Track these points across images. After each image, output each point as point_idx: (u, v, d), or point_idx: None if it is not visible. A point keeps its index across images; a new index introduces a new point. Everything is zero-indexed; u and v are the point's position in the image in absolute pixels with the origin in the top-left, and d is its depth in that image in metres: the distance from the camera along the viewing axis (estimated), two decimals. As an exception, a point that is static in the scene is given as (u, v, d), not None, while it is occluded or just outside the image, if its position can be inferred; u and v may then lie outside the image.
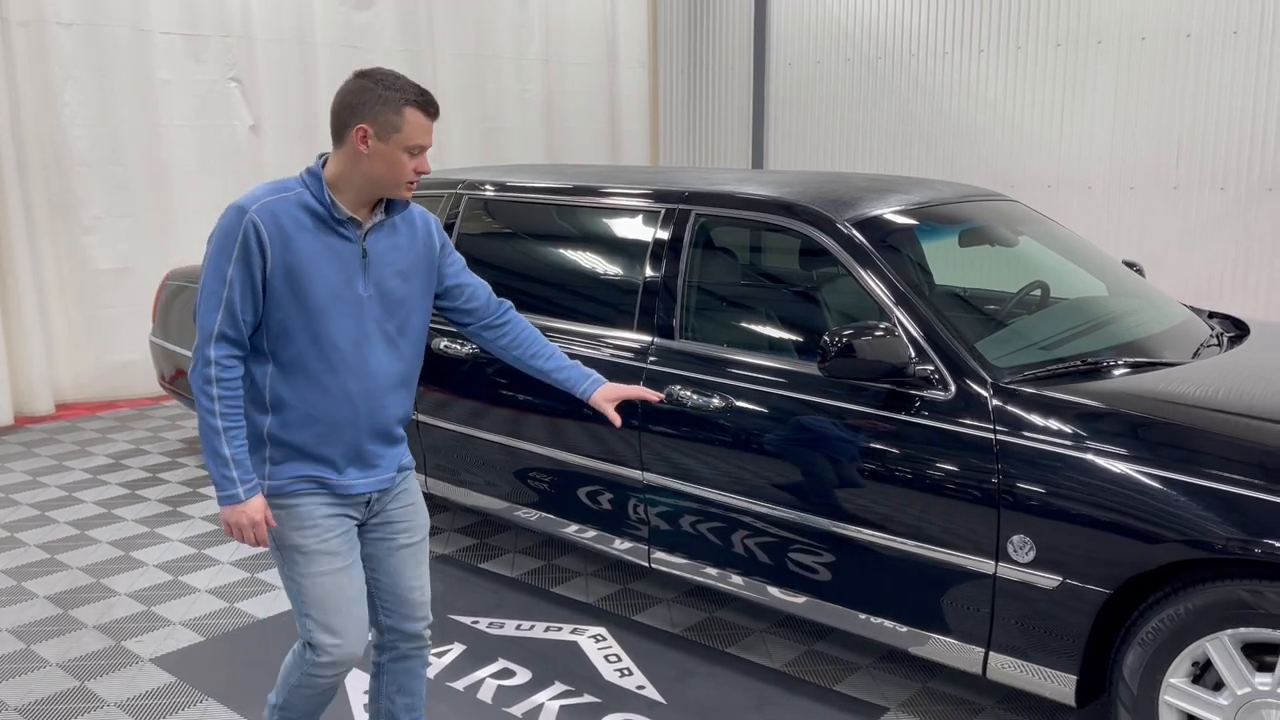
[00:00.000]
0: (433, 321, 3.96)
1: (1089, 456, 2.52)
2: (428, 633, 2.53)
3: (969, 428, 2.70)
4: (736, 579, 3.22)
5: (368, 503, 2.38)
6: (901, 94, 8.12)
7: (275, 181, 2.26)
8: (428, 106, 2.23)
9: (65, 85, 6.18)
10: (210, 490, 4.99)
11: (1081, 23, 7.19)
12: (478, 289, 2.56)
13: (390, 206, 2.32)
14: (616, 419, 2.64)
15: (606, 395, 2.65)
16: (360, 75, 2.23)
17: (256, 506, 2.21)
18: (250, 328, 2.20)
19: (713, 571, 3.27)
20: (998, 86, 7.62)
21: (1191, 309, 3.71)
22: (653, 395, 2.75)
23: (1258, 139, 6.62)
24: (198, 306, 2.19)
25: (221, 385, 2.17)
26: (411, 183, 2.24)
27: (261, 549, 2.27)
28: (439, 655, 3.41)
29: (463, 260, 2.54)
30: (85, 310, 6.47)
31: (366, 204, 2.27)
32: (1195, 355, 3.08)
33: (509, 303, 2.63)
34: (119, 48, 6.34)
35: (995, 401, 2.69)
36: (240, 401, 2.21)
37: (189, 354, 4.98)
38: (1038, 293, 3.57)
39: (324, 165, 2.25)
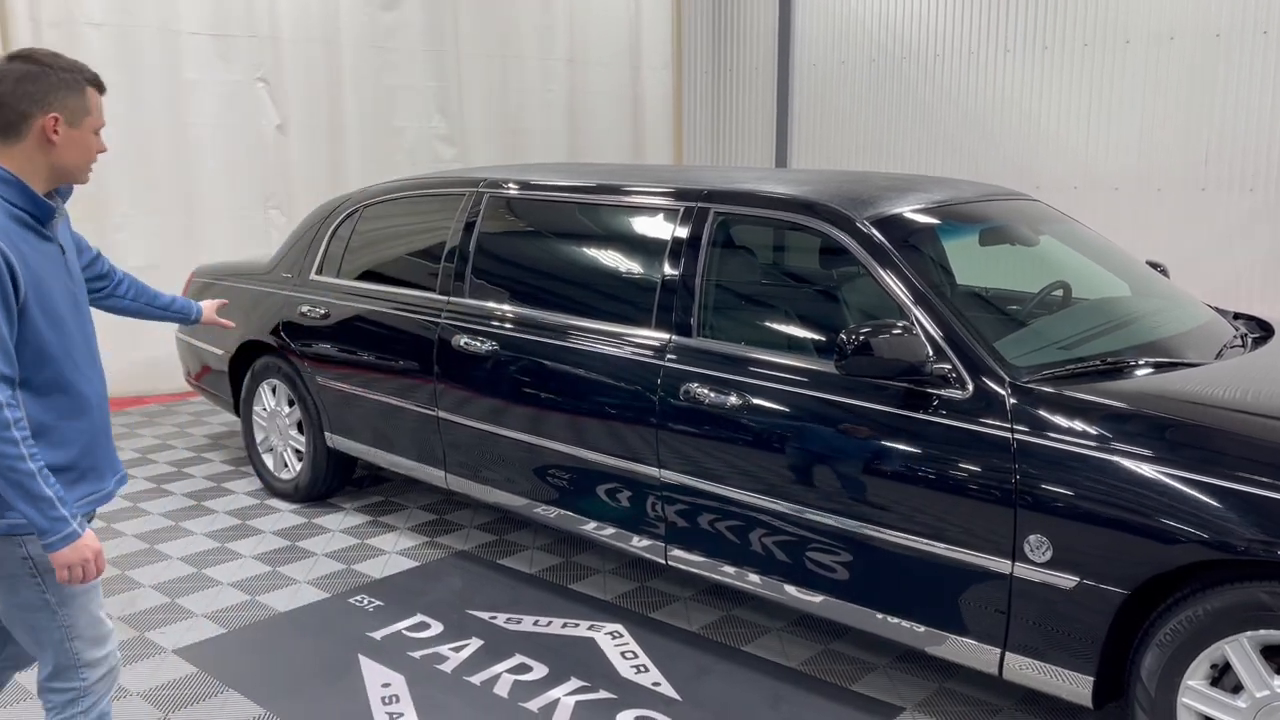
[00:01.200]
0: (450, 318, 3.99)
1: (1108, 456, 2.51)
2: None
3: (987, 427, 2.69)
4: (753, 577, 3.22)
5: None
6: (926, 95, 8.08)
7: None
8: (100, 83, 2.16)
9: (95, 85, 6.27)
10: (235, 485, 5.04)
11: (1109, 23, 7.13)
12: (103, 258, 2.59)
13: (62, 196, 2.25)
14: (228, 323, 2.96)
15: (203, 310, 2.86)
16: (21, 58, 2.06)
17: (91, 539, 2.08)
18: (15, 359, 2.04)
19: (730, 570, 3.27)
20: (1024, 87, 7.57)
21: (1216, 309, 3.67)
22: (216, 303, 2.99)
23: (1288, 140, 6.54)
24: None
25: (19, 427, 1.98)
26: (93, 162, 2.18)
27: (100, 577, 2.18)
28: (456, 650, 3.43)
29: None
30: (114, 307, 6.55)
31: (47, 196, 2.17)
32: (1218, 356, 3.05)
33: (115, 268, 2.66)
34: (148, 48, 6.42)
35: (1013, 401, 2.68)
36: (33, 440, 2.05)
37: (216, 350, 5.06)
38: (1059, 292, 3.55)
39: None
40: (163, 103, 6.52)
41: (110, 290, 2.61)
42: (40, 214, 2.09)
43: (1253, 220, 6.71)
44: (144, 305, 2.69)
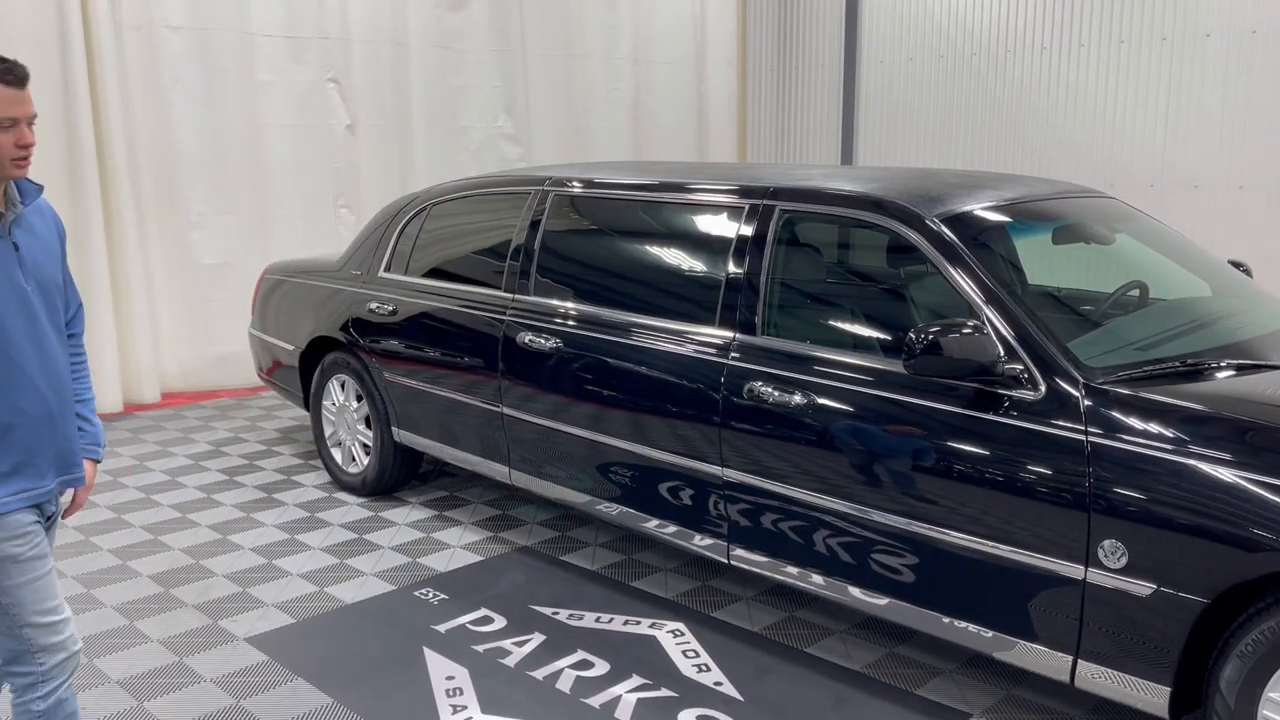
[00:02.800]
0: (515, 316, 4.02)
1: (1187, 460, 2.43)
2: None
3: (1059, 429, 2.63)
4: (817, 578, 3.19)
5: (50, 516, 2.33)
6: (997, 91, 7.93)
7: None
8: (5, 75, 2.09)
9: (174, 86, 6.44)
10: (304, 478, 5.14)
11: (1189, 16, 6.92)
12: (73, 297, 2.45)
13: (24, 193, 2.24)
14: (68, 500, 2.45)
15: (77, 500, 2.46)
16: None
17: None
18: None
19: (793, 570, 3.24)
20: (1098, 83, 7.39)
21: (1302, 311, 3.54)
22: (78, 506, 2.45)
23: (1379, 135, 6.29)
24: None
25: None
26: (18, 160, 2.12)
27: None
28: (519, 644, 3.45)
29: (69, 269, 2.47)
30: (190, 303, 6.73)
31: None
32: (1305, 358, 2.94)
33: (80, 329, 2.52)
34: (224, 50, 6.58)
35: (1087, 402, 2.62)
36: None
37: (286, 346, 5.16)
38: (1135, 292, 3.46)
39: None
40: (238, 104, 6.68)
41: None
42: None
43: (1340, 219, 6.47)
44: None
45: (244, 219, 6.81)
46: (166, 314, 6.69)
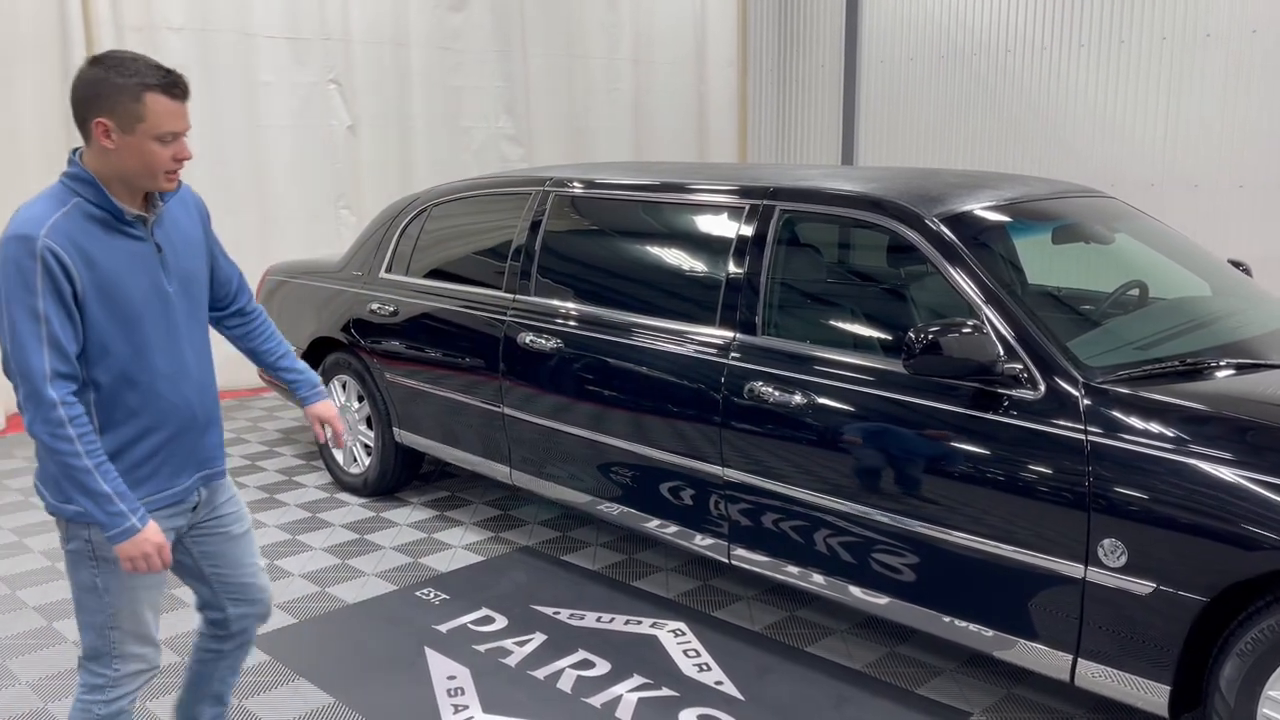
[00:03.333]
0: (516, 316, 4.03)
1: (1186, 459, 2.44)
2: (267, 612, 2.55)
3: (1059, 428, 2.63)
4: (817, 578, 3.20)
5: (195, 507, 2.34)
6: (997, 91, 7.94)
7: (44, 196, 2.07)
8: (172, 88, 2.06)
9: (175, 88, 6.45)
10: (306, 478, 5.15)
11: (1188, 16, 6.93)
12: (232, 273, 2.48)
13: (163, 193, 2.20)
14: (320, 435, 2.60)
15: (318, 411, 2.59)
16: (94, 62, 2.06)
17: (155, 529, 2.13)
18: (75, 356, 2.06)
19: (793, 570, 3.25)
20: (1099, 82, 7.39)
21: (1301, 310, 3.55)
22: (338, 433, 2.59)
23: (1379, 134, 6.29)
24: (9, 355, 2.03)
25: (75, 424, 2.03)
26: (171, 173, 2.11)
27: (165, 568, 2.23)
28: (520, 644, 3.46)
29: (219, 242, 2.47)
30: (191, 304, 6.73)
31: (135, 198, 2.14)
32: (1304, 357, 2.95)
33: (252, 293, 2.57)
34: (225, 51, 6.59)
35: (1087, 401, 2.62)
36: (93, 435, 2.07)
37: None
38: (1135, 292, 3.46)
39: (81, 164, 2.10)
40: (239, 105, 6.69)
41: (230, 311, 2.52)
42: (113, 213, 2.09)
43: (1341, 218, 6.47)
44: (253, 348, 2.56)
45: (245, 219, 6.82)
46: (168, 315, 6.69)
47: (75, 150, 2.12)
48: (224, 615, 2.46)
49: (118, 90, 2.02)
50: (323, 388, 2.60)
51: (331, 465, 5.03)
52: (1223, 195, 6.94)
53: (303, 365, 2.58)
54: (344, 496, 4.90)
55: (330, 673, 3.29)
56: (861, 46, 8.76)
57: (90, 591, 2.21)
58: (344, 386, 4.89)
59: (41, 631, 3.58)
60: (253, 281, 6.51)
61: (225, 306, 2.50)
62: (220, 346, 7.02)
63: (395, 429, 4.63)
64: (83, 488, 2.05)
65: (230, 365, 6.73)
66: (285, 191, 6.97)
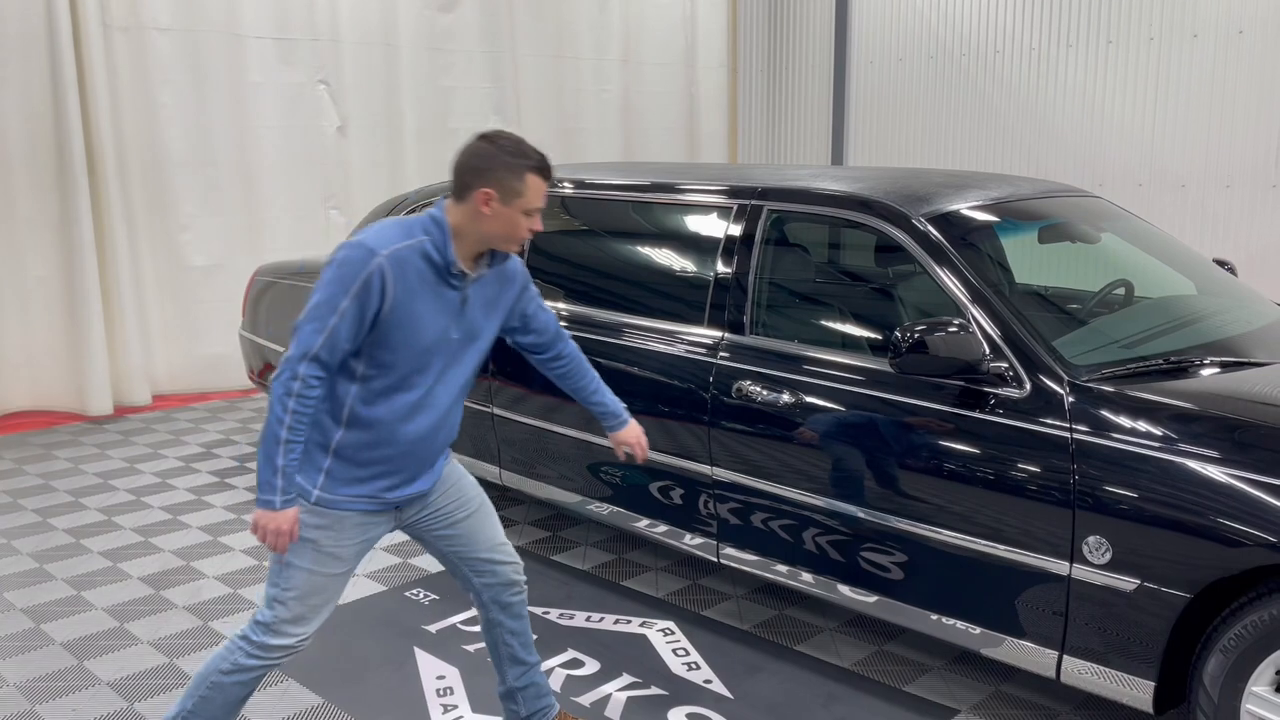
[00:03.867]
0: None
1: (1170, 457, 2.45)
2: (522, 576, 2.70)
3: (1045, 426, 2.65)
4: (806, 576, 3.21)
5: (399, 508, 2.49)
6: (986, 91, 7.97)
7: (401, 223, 2.32)
8: (546, 172, 2.34)
9: (162, 88, 6.44)
10: (294, 479, 5.14)
11: (1176, 16, 6.97)
12: (549, 323, 2.68)
13: (494, 258, 2.44)
14: (620, 456, 2.84)
15: (622, 438, 2.78)
16: (485, 139, 2.33)
17: (288, 517, 2.28)
18: (343, 356, 2.27)
19: (782, 568, 3.26)
20: (1087, 82, 7.43)
21: (1285, 308, 3.57)
22: (640, 457, 2.79)
23: (1364, 134, 6.33)
24: (301, 321, 2.25)
25: (299, 400, 2.23)
26: (522, 240, 2.37)
27: (280, 553, 2.33)
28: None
29: (539, 296, 2.66)
30: (180, 305, 6.72)
31: (475, 255, 2.38)
32: (1287, 355, 2.97)
33: (568, 334, 2.75)
34: (213, 52, 6.57)
35: (1072, 400, 2.64)
36: (309, 420, 2.27)
37: (277, 348, 5.16)
38: (1121, 291, 3.48)
39: (444, 213, 2.34)
40: (227, 105, 6.67)
41: (546, 356, 2.72)
42: (446, 263, 2.31)
43: (1326, 217, 6.51)
44: (570, 385, 2.76)
45: (234, 220, 6.81)
46: (157, 316, 6.68)
47: (443, 197, 2.38)
48: (473, 587, 2.66)
49: (507, 169, 2.29)
50: (626, 415, 2.79)
51: (321, 466, 5.01)
52: (1210, 195, 6.98)
53: (611, 398, 2.78)
54: (333, 497, 4.88)
55: (319, 673, 3.28)
56: (851, 47, 8.79)
57: (279, 563, 2.40)
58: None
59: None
60: (242, 282, 6.52)
61: (543, 351, 2.71)
62: (206, 347, 6.93)
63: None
64: (267, 450, 2.25)
65: (218, 367, 6.78)
66: (274, 192, 6.96)
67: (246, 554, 4.24)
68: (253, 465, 5.39)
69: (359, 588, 3.90)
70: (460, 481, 2.60)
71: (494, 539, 2.64)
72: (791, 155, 9.43)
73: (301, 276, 5.09)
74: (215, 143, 6.66)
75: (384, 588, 3.91)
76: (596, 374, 2.77)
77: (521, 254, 2.42)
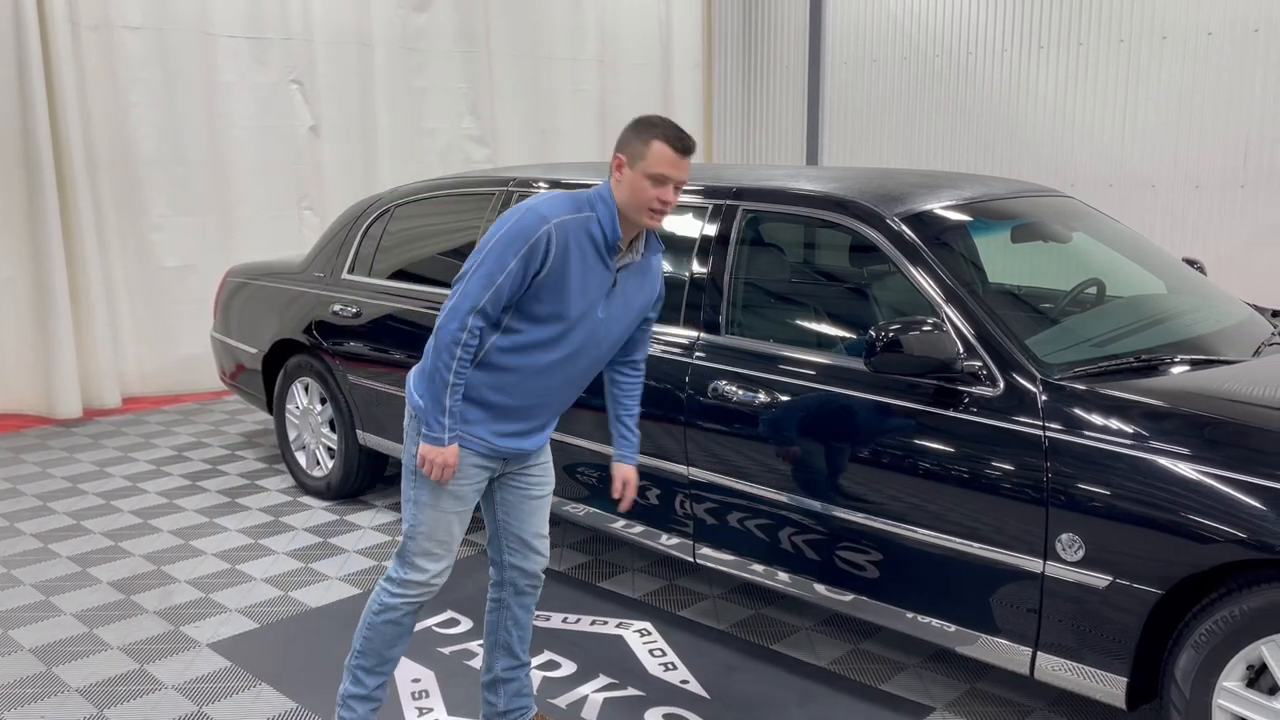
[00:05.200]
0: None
1: (1141, 454, 2.47)
2: (543, 570, 2.79)
3: (1018, 424, 2.66)
4: (783, 576, 3.21)
5: (506, 460, 2.62)
6: (959, 93, 8.02)
7: (573, 196, 2.45)
8: (674, 141, 2.39)
9: (132, 87, 6.37)
10: (268, 482, 5.10)
11: (1145, 18, 7.04)
12: (649, 336, 2.77)
13: (649, 246, 2.56)
14: (616, 491, 2.81)
15: (623, 472, 2.80)
16: (636, 120, 2.46)
17: (454, 452, 2.47)
18: (504, 309, 2.44)
19: (759, 568, 3.26)
20: (1058, 84, 7.49)
21: (1254, 307, 3.62)
22: (629, 499, 2.80)
23: (1330, 135, 6.42)
24: (470, 274, 2.40)
25: (465, 349, 2.41)
26: (654, 210, 2.41)
27: (444, 484, 2.53)
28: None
29: (659, 311, 2.73)
30: (151, 306, 6.65)
31: (629, 234, 2.48)
32: (1256, 353, 3.00)
33: (645, 356, 2.82)
34: (184, 51, 6.51)
35: (1045, 398, 2.65)
36: (471, 366, 2.46)
37: (249, 349, 5.12)
38: (1093, 290, 3.51)
39: (610, 190, 2.46)
40: (199, 105, 6.61)
41: (623, 364, 2.76)
42: (608, 237, 2.43)
43: (1293, 217, 6.60)
44: (615, 396, 2.79)
45: (206, 221, 6.74)
46: (127, 317, 6.61)
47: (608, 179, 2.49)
48: (500, 561, 2.75)
49: (636, 135, 2.42)
50: (637, 456, 2.83)
51: (294, 468, 4.98)
52: (1179, 195, 7.05)
53: (638, 431, 2.83)
54: (307, 500, 4.85)
55: (292, 677, 3.25)
56: (825, 48, 8.82)
57: (408, 502, 2.58)
58: (306, 389, 4.84)
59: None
60: (214, 283, 6.46)
61: (627, 354, 2.76)
62: (177, 349, 6.88)
63: (358, 431, 4.59)
64: (434, 393, 2.43)
65: (190, 368, 6.71)
66: (247, 192, 6.90)
67: (219, 558, 4.20)
68: (225, 468, 5.34)
69: (332, 591, 3.87)
70: (549, 463, 2.75)
71: (542, 528, 2.75)
72: (766, 156, 9.45)
73: (275, 278, 5.05)
74: (187, 142, 6.59)
75: (358, 591, 3.88)
76: (640, 405, 2.83)
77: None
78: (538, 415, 2.57)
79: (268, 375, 5.05)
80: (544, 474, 2.74)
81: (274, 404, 5.03)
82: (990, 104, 7.84)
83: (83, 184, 6.19)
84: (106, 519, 4.63)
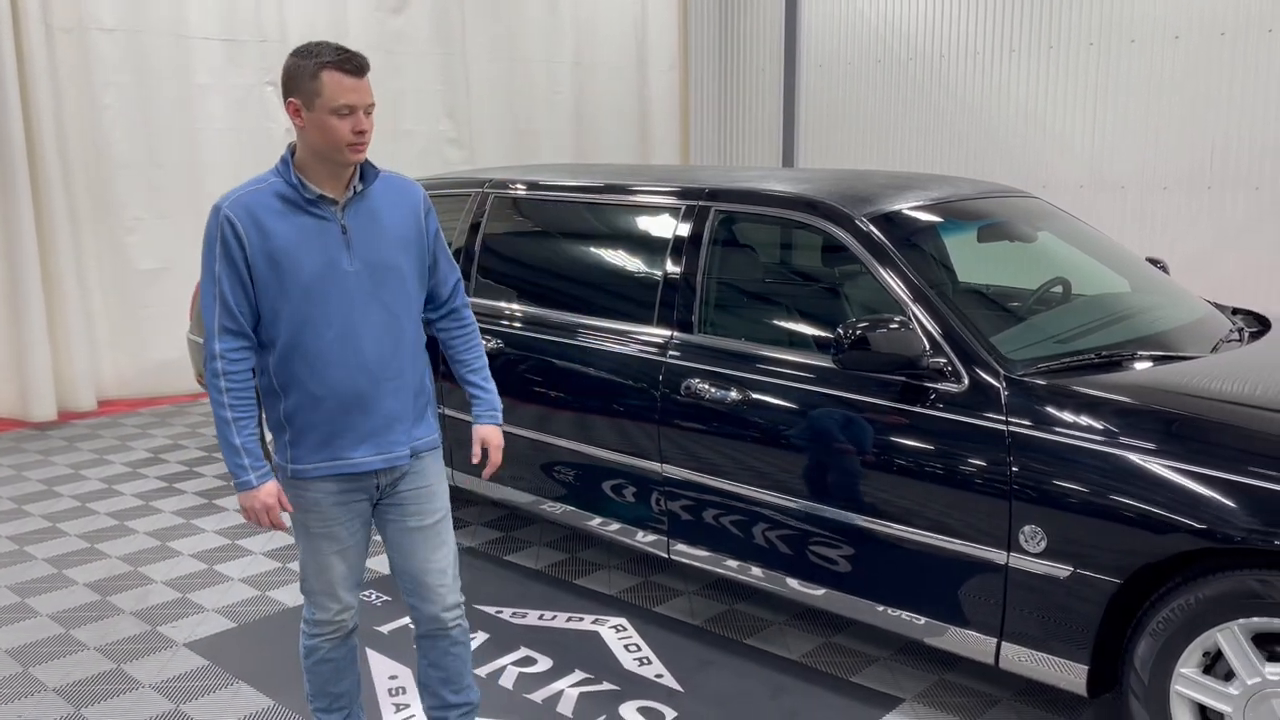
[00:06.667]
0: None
1: (1101, 447, 2.54)
2: (450, 616, 2.52)
3: (982, 419, 2.72)
4: (756, 571, 3.26)
5: (378, 486, 2.42)
6: (932, 95, 8.11)
7: (255, 177, 2.31)
8: (345, 64, 2.19)
9: (106, 90, 6.36)
10: (244, 484, 5.10)
11: (1114, 22, 7.15)
12: (450, 275, 2.55)
13: (364, 176, 2.32)
14: (476, 455, 2.61)
15: (481, 433, 2.62)
16: (291, 54, 2.25)
17: (268, 491, 2.30)
18: (248, 317, 2.27)
19: (733, 564, 3.31)
20: (1029, 87, 7.59)
21: (1215, 305, 3.70)
22: (494, 463, 2.61)
23: (1293, 137, 6.55)
24: (203, 306, 2.27)
25: (228, 378, 2.25)
26: (354, 145, 2.21)
27: (279, 531, 2.40)
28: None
29: (445, 243, 2.53)
30: (126, 309, 6.63)
31: (335, 179, 2.28)
32: (1214, 349, 3.08)
33: (467, 302, 2.62)
34: (159, 53, 6.50)
35: (1008, 393, 2.71)
36: (248, 392, 2.28)
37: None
38: (1059, 289, 3.57)
39: (290, 150, 2.30)
40: (174, 107, 6.60)
41: (442, 314, 2.58)
42: (295, 192, 2.24)
43: (1259, 217, 6.72)
44: (454, 355, 2.61)
45: (182, 223, 6.73)
46: (103, 320, 6.59)
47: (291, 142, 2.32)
48: (407, 603, 2.55)
49: (300, 71, 2.20)
50: (499, 414, 2.63)
51: (274, 470, 4.98)
52: (1148, 196, 7.17)
53: (491, 387, 2.63)
54: (284, 501, 4.86)
55: (270, 676, 3.27)
56: (800, 51, 8.90)
57: (297, 543, 2.45)
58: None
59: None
60: (190, 285, 6.44)
61: (439, 306, 2.56)
62: (153, 352, 6.85)
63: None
64: (223, 436, 2.27)
65: (166, 371, 6.69)
66: (222, 194, 6.87)
67: (196, 558, 4.20)
68: (202, 469, 5.34)
69: (310, 590, 3.89)
70: (430, 488, 2.48)
71: (432, 562, 2.48)
72: (742, 157, 9.52)
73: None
74: (162, 144, 6.58)
75: (336, 590, 3.90)
76: (486, 358, 2.64)
77: (359, 169, 2.32)
78: (363, 413, 2.32)
79: (244, 377, 5.05)
80: (420, 500, 2.45)
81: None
82: (963, 106, 7.93)
83: (57, 187, 6.17)
84: (82, 521, 4.63)
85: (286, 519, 2.38)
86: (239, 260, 2.22)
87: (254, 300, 2.26)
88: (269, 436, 2.43)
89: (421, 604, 2.51)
